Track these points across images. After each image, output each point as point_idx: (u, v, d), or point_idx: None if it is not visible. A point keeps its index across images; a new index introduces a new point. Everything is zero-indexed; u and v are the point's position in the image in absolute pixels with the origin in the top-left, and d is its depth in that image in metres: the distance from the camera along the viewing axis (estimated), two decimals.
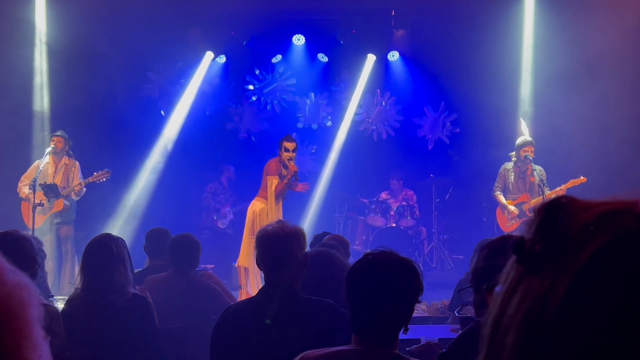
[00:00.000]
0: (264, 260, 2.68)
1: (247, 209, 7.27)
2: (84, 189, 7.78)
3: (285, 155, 6.98)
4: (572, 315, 0.50)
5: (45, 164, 7.67)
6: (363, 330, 1.94)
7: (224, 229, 9.58)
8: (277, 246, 2.65)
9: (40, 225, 7.65)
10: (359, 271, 1.99)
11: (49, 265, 7.56)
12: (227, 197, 9.74)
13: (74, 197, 7.81)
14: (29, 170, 7.81)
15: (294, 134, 8.43)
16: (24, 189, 7.69)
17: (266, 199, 6.99)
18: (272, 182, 6.98)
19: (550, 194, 7.47)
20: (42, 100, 9.07)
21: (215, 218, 9.59)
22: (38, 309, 0.78)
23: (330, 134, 10.39)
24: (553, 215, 0.56)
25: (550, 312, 0.51)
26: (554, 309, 0.50)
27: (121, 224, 8.93)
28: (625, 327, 0.48)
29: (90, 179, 7.66)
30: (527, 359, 0.52)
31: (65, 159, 7.85)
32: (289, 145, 7.01)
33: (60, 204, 7.70)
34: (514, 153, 7.79)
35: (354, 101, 10.25)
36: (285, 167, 7.03)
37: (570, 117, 8.33)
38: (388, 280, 1.93)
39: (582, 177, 7.46)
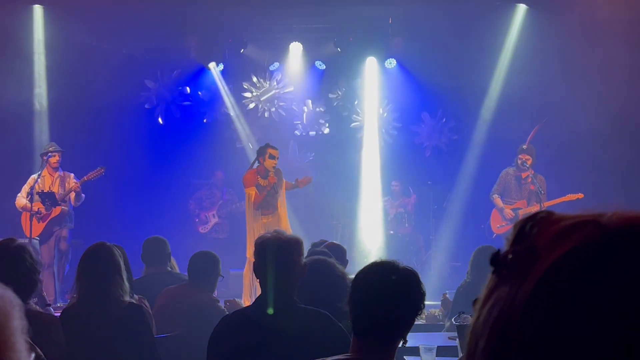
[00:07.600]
0: (262, 267, 2.67)
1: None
2: (82, 195, 7.73)
3: (270, 162, 6.65)
4: (534, 320, 0.53)
5: (41, 177, 7.65)
6: (364, 337, 1.95)
7: (206, 233, 9.51)
8: (276, 254, 2.65)
9: (39, 233, 7.62)
10: (362, 279, 2.02)
11: (48, 272, 7.54)
12: (213, 202, 9.65)
13: (74, 203, 7.75)
14: (26, 184, 7.75)
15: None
16: (21, 200, 7.65)
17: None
18: (249, 195, 6.70)
19: (546, 204, 7.47)
20: (40, 107, 9.05)
21: (197, 222, 9.55)
22: (21, 321, 0.77)
23: (328, 141, 10.38)
24: (527, 228, 0.58)
25: (515, 317, 0.54)
26: (518, 314, 0.53)
27: (118, 232, 8.88)
28: (585, 333, 0.50)
29: (85, 178, 7.59)
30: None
31: (59, 172, 7.81)
32: (274, 152, 6.67)
33: (58, 209, 7.67)
34: (516, 159, 7.83)
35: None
36: (265, 176, 6.71)
37: (573, 126, 8.33)
38: (391, 290, 1.95)
39: (579, 194, 7.50)
